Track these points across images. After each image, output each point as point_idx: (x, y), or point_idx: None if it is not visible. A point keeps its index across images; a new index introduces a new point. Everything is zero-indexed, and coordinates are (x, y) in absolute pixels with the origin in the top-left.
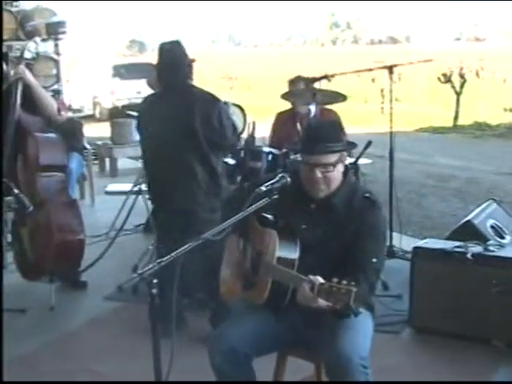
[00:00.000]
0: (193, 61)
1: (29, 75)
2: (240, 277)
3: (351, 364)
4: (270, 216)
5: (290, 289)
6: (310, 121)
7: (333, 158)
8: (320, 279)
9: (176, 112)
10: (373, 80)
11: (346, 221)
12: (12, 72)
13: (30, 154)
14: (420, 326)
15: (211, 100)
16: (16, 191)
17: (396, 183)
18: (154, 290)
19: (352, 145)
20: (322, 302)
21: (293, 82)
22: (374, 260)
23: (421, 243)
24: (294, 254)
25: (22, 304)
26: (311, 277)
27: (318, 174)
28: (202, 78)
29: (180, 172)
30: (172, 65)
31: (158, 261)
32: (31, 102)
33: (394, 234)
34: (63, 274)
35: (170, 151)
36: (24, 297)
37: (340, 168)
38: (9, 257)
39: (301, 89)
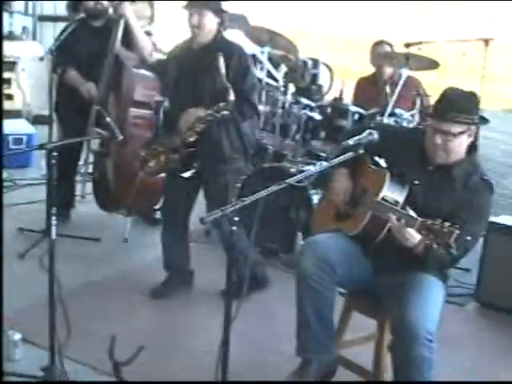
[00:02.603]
0: None
1: (131, 13)
2: (337, 208)
3: (418, 337)
4: (382, 162)
5: (385, 229)
6: (449, 88)
7: (457, 128)
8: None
9: None
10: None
11: (459, 194)
12: (112, 8)
13: (125, 89)
14: (486, 301)
15: None
16: (108, 119)
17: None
18: (235, 228)
19: (483, 120)
20: (416, 238)
21: (377, 46)
22: (468, 238)
23: (495, 219)
24: (399, 197)
25: (96, 234)
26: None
27: (439, 139)
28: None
29: None
30: None
31: (242, 199)
32: (129, 39)
33: None
34: (140, 209)
35: None
36: (99, 227)
37: (463, 140)
38: (88, 187)
39: (393, 52)
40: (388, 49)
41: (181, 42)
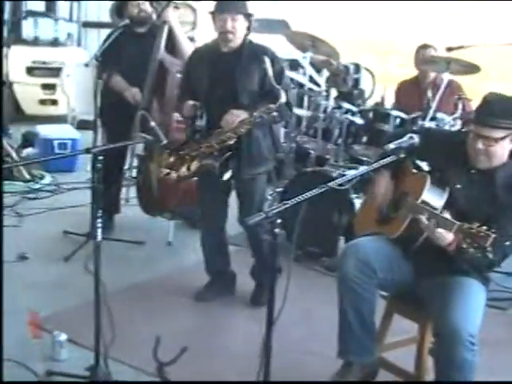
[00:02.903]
0: None
1: (175, 19)
2: (378, 211)
3: (461, 339)
4: (424, 165)
5: (425, 233)
6: (490, 93)
7: (499, 133)
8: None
9: None
10: None
11: (500, 198)
12: (155, 14)
13: (169, 94)
14: None
15: None
16: (153, 123)
17: None
18: (277, 230)
19: None
20: (447, 238)
21: (421, 49)
22: (508, 243)
23: None
24: (439, 200)
25: (140, 237)
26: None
27: (480, 145)
28: None
29: None
30: None
31: (284, 202)
32: (173, 45)
33: None
34: (184, 212)
35: None
36: (143, 230)
37: (505, 145)
38: (131, 191)
39: (436, 56)
40: (433, 52)
41: (203, 46)
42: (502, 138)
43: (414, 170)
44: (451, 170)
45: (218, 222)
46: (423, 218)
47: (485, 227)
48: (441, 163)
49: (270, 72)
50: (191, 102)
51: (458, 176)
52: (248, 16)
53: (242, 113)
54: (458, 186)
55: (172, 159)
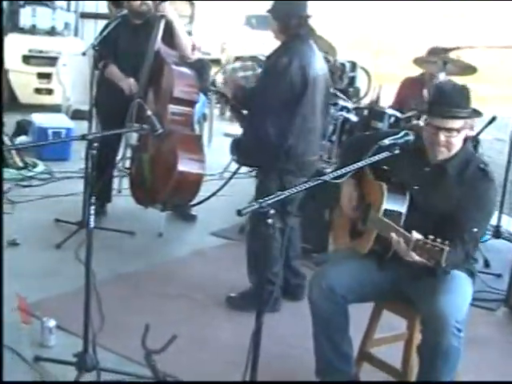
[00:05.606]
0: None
1: (172, 13)
2: (350, 224)
3: (448, 325)
4: (386, 168)
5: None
6: (442, 84)
7: (459, 123)
8: (416, 235)
9: None
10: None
11: (456, 187)
12: (152, 6)
13: (165, 85)
14: None
15: None
16: (149, 112)
17: None
18: (270, 220)
19: (478, 113)
20: (416, 257)
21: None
22: (475, 230)
23: None
24: (401, 207)
25: (132, 227)
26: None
27: (442, 137)
28: None
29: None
30: None
31: (279, 193)
32: (170, 37)
33: (504, 215)
34: (175, 204)
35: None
36: (134, 221)
37: (462, 134)
38: (124, 182)
39: (432, 56)
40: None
41: None
42: (462, 128)
43: (372, 179)
44: (408, 172)
45: None
46: (395, 239)
47: (439, 239)
48: (396, 166)
49: None
50: None
51: (415, 177)
52: None
53: None
54: (416, 187)
55: None
